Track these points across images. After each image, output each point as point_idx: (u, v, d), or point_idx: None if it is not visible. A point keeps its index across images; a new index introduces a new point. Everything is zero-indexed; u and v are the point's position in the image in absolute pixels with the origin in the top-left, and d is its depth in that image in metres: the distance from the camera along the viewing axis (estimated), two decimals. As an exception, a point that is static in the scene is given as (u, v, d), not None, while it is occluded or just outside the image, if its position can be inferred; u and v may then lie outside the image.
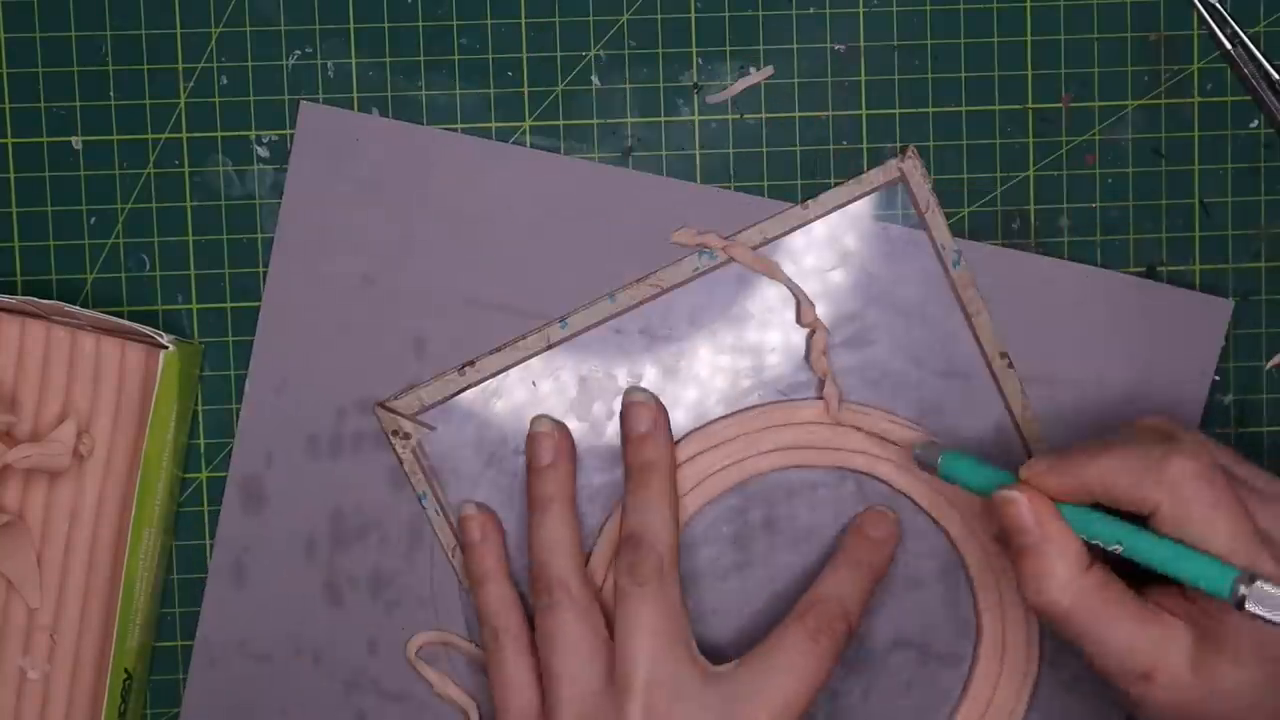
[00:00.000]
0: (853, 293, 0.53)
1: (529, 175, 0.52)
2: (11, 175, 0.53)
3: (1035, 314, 0.52)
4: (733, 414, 0.53)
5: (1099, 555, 0.44)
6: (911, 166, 0.52)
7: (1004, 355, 0.52)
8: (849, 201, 0.52)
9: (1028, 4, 0.53)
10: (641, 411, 0.51)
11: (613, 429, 0.53)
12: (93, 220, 0.53)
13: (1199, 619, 0.43)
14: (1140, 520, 0.43)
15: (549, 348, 0.53)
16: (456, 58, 0.53)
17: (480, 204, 0.53)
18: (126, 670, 0.51)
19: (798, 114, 0.53)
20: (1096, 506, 0.44)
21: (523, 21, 0.52)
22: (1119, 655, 0.44)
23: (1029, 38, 0.52)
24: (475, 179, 0.53)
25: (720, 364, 0.53)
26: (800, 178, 0.53)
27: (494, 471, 0.53)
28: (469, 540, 0.52)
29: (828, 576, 0.50)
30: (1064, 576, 0.43)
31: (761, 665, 0.48)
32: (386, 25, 0.53)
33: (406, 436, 0.52)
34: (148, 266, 0.53)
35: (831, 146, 0.53)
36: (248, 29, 0.53)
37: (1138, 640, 0.43)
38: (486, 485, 0.53)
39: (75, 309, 0.50)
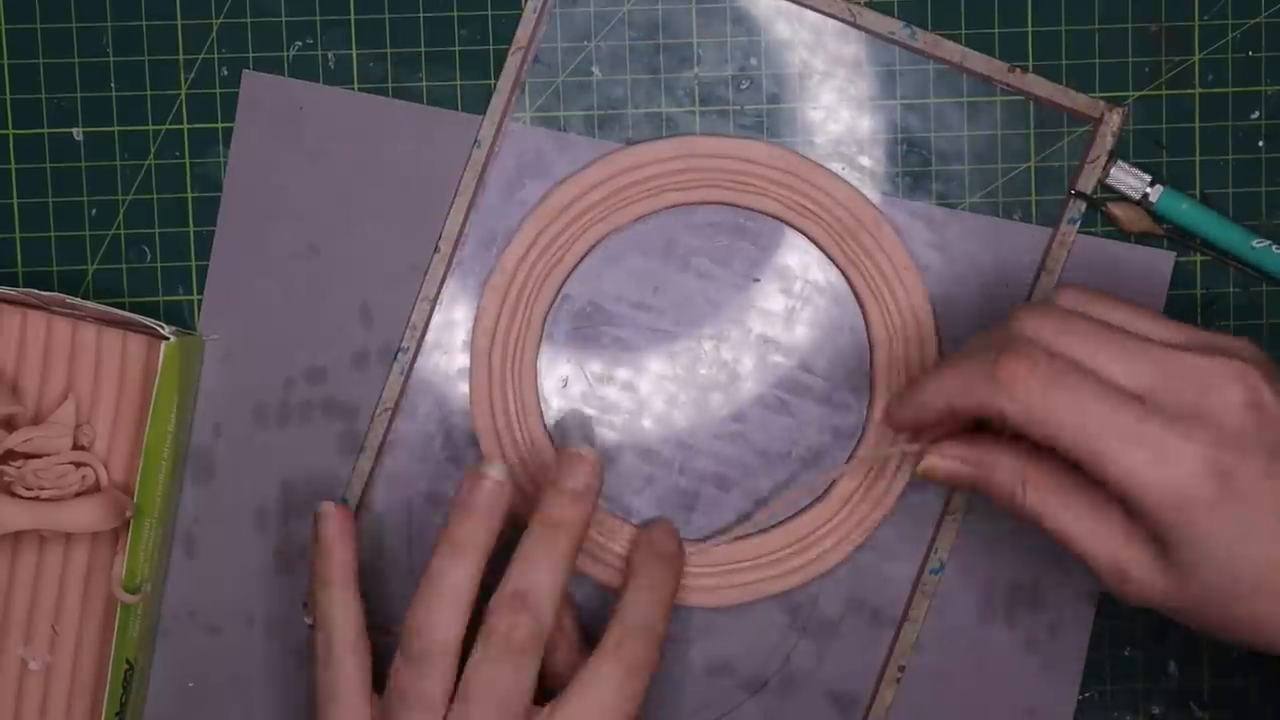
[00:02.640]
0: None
1: (470, 140, 0.52)
2: (12, 166, 0.53)
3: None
4: (676, 137, 0.53)
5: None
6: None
7: None
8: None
9: (1029, -5, 0.53)
10: (581, 467, 0.48)
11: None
12: (94, 211, 0.53)
13: (1149, 534, 0.43)
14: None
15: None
16: (457, 48, 0.53)
17: (424, 170, 0.53)
18: (128, 660, 0.51)
19: (799, 106, 0.53)
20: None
21: (523, 13, 0.52)
22: (1087, 552, 0.43)
23: (1030, 29, 0.52)
24: (419, 146, 0.53)
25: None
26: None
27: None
28: (324, 537, 0.50)
29: (630, 604, 0.48)
30: (1011, 480, 0.44)
31: (578, 707, 0.46)
32: (387, 16, 0.53)
33: None
34: (149, 258, 0.53)
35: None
36: (248, 20, 0.53)
37: (1103, 540, 0.43)
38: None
39: (76, 300, 0.50)
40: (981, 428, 0.46)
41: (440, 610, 0.46)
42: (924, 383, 0.45)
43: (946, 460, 0.46)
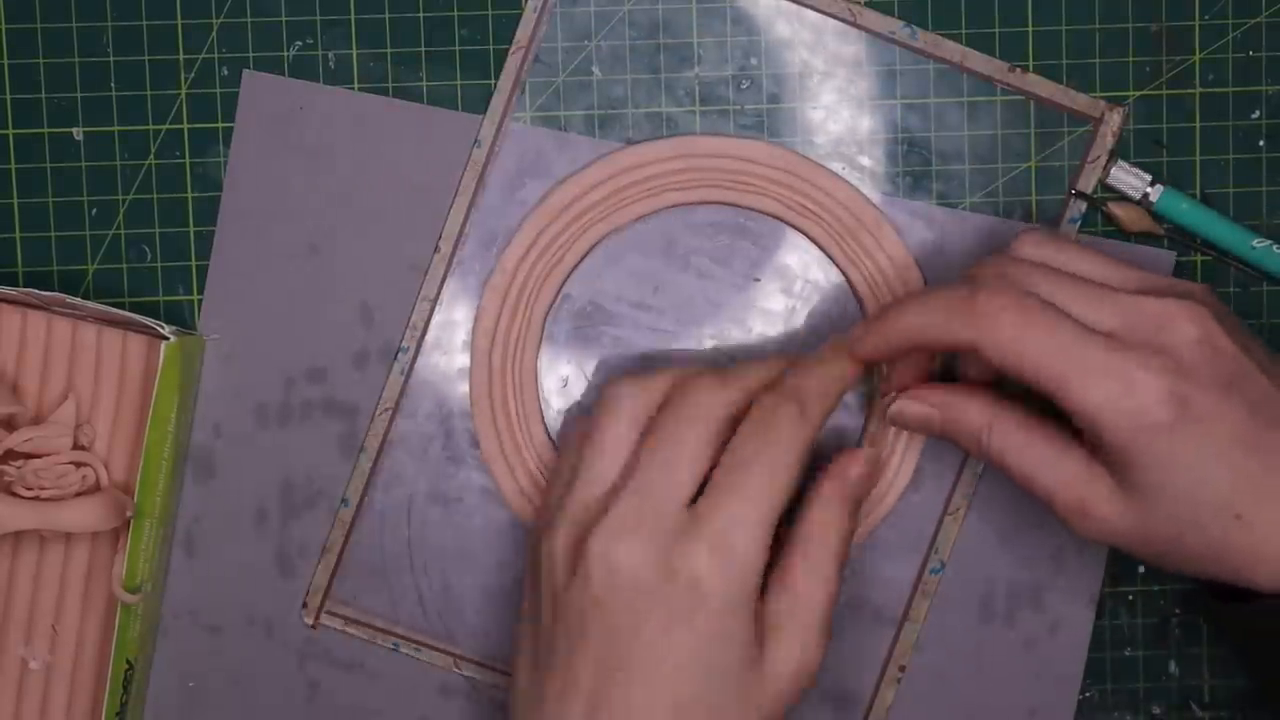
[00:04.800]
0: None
1: (470, 140, 0.53)
2: (13, 166, 0.53)
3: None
4: (676, 136, 0.53)
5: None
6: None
7: None
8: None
9: (1029, -6, 0.53)
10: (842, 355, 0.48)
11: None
12: (94, 211, 0.53)
13: (1113, 467, 0.44)
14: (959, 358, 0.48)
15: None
16: (458, 48, 0.53)
17: (424, 170, 0.53)
18: (128, 660, 0.51)
19: (799, 106, 0.53)
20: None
21: (523, 12, 0.52)
22: (1050, 490, 0.45)
23: (1030, 29, 0.52)
24: (419, 146, 0.53)
25: None
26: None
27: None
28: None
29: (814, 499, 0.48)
30: (977, 425, 0.46)
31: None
32: (388, 16, 0.53)
33: None
34: (149, 257, 0.53)
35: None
36: (249, 20, 0.53)
37: (1064, 479, 0.45)
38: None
39: (76, 300, 0.50)
40: (945, 379, 0.49)
41: (716, 391, 0.46)
42: (893, 313, 0.46)
43: (916, 404, 0.47)
